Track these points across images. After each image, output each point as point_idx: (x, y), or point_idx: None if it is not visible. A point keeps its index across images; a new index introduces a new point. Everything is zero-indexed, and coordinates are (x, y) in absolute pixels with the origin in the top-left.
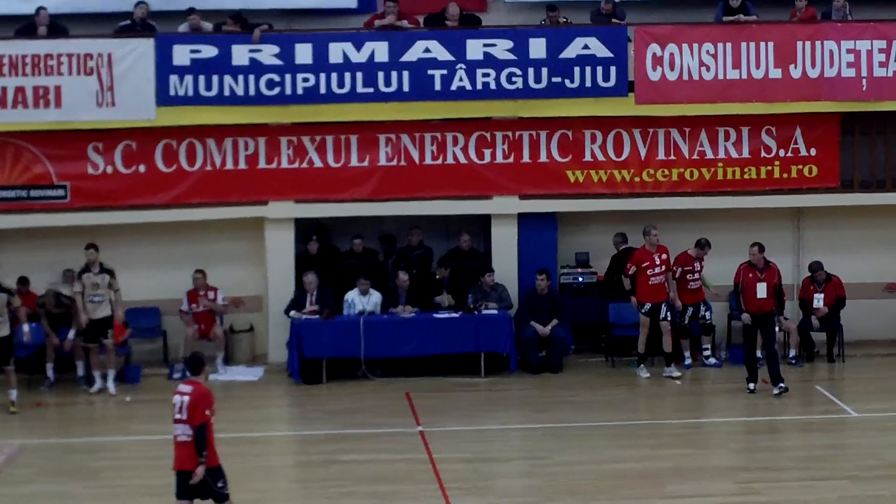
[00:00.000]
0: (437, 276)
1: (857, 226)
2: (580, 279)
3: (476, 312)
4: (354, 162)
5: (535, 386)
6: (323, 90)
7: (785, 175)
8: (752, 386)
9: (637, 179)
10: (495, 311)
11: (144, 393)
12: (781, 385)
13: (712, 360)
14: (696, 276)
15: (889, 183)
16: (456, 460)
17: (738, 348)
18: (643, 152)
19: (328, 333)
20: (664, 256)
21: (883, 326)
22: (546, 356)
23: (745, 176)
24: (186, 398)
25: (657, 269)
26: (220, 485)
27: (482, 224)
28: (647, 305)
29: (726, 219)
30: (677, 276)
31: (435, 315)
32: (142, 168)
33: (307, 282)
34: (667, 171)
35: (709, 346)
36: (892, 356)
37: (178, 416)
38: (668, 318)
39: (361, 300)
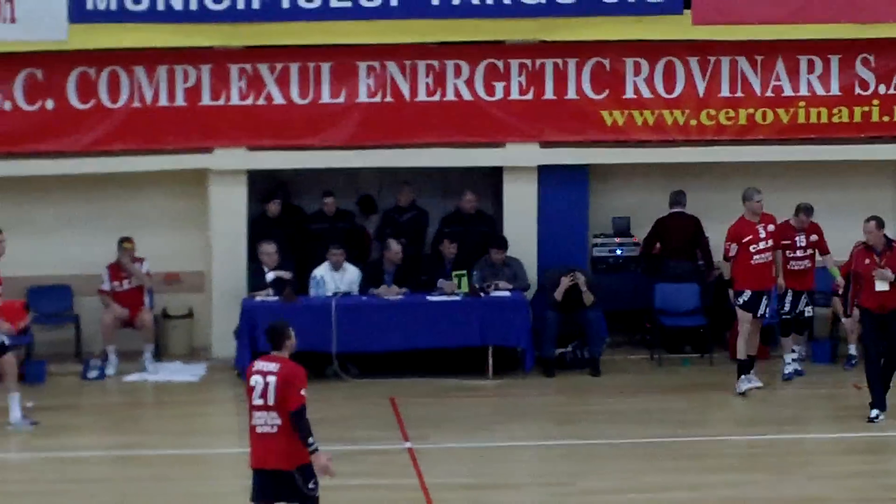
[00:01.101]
0: (442, 251)
1: None
2: (618, 252)
3: (483, 294)
4: (326, 98)
5: (557, 390)
6: (286, 3)
7: (886, 118)
8: (875, 414)
9: (693, 123)
10: (507, 294)
11: (51, 396)
12: (880, 412)
13: (793, 368)
14: (800, 253)
15: None
16: (454, 487)
17: (820, 343)
18: (701, 88)
19: (289, 320)
20: (770, 228)
21: None
22: (573, 351)
23: (835, 119)
24: (272, 378)
25: (762, 245)
26: (311, 486)
27: (492, 180)
28: (748, 293)
29: (808, 174)
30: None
31: (429, 298)
32: (49, 104)
33: (265, 253)
34: (732, 113)
35: (797, 349)
36: None
37: (258, 402)
38: (766, 314)
39: (334, 277)
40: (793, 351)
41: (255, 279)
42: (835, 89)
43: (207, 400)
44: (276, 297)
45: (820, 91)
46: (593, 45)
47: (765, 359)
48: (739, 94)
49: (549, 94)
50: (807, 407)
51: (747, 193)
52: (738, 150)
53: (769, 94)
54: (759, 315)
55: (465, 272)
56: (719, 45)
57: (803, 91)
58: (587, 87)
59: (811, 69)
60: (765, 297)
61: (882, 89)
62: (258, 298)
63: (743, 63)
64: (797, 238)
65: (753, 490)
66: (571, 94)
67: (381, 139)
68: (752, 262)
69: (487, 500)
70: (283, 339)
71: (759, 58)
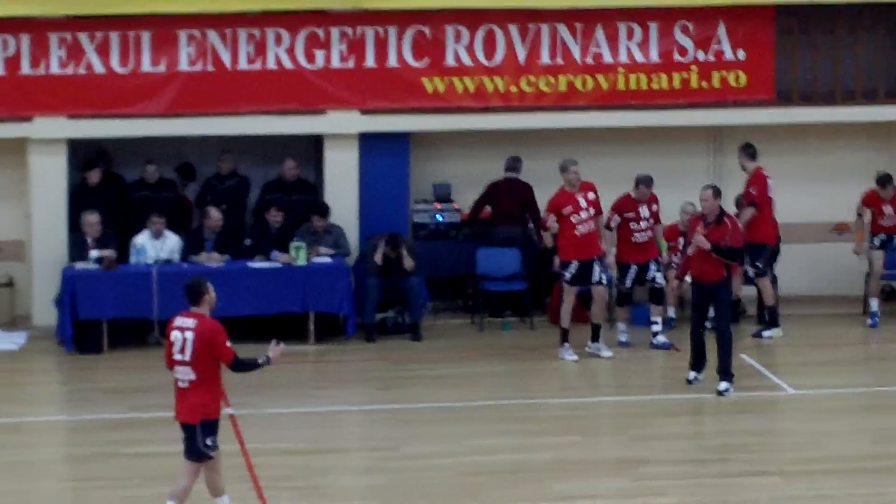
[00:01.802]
0: (269, 219)
1: (795, 150)
2: (439, 218)
3: (306, 261)
4: (147, 66)
5: (380, 355)
6: None
7: (704, 84)
8: (693, 376)
9: (514, 90)
10: (329, 260)
11: None
12: (697, 374)
13: (661, 339)
14: (644, 224)
15: (837, 95)
16: (276, 452)
17: (638, 307)
18: (522, 55)
19: (110, 288)
20: (591, 196)
21: (826, 278)
22: (394, 317)
23: (653, 86)
24: (189, 334)
25: (584, 215)
26: (207, 443)
27: (313, 147)
28: (574, 264)
29: (627, 140)
30: (613, 225)
31: (250, 265)
32: None
33: (87, 224)
34: (552, 80)
35: (659, 319)
36: (839, 317)
37: (178, 357)
38: (602, 281)
39: (154, 245)
40: (654, 323)
41: (77, 248)
42: (654, 56)
43: (28, 369)
44: (96, 266)
45: (639, 58)
46: (414, 13)
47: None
48: (559, 61)
49: (370, 62)
50: (626, 371)
51: (563, 164)
52: (558, 117)
53: (589, 60)
54: (594, 282)
55: (303, 244)
56: (539, 12)
57: (623, 58)
58: (408, 55)
59: (630, 36)
60: (595, 265)
61: (700, 56)
62: (79, 266)
63: (563, 30)
64: (640, 209)
65: (574, 452)
66: (392, 61)
67: (202, 107)
68: (576, 232)
69: (311, 465)
70: (201, 295)
71: (578, 25)
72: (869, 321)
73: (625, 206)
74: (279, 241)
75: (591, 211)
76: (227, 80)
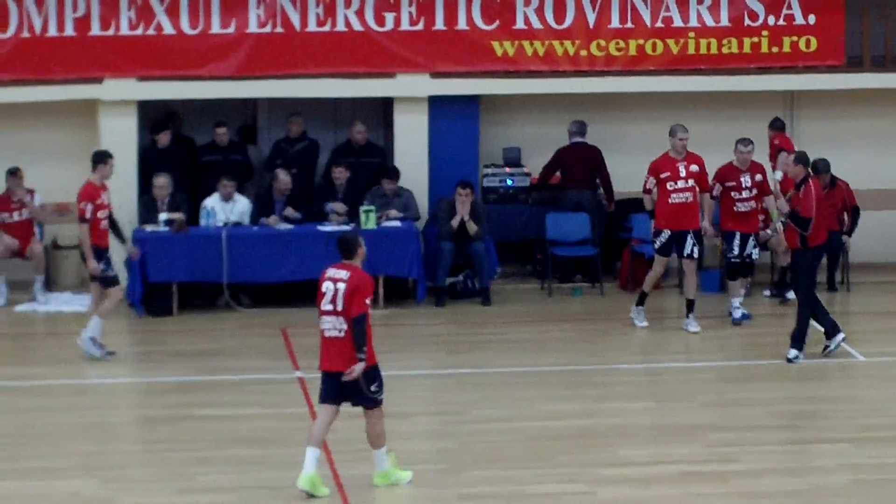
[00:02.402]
0: (333, 178)
1: (866, 115)
2: (509, 182)
3: (375, 225)
4: (216, 28)
5: (450, 320)
6: None
7: (775, 49)
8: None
9: (584, 53)
10: (398, 224)
11: None
12: (797, 353)
13: (740, 312)
14: (746, 194)
15: None
16: (344, 416)
17: (708, 272)
18: (592, 18)
19: (180, 251)
20: (694, 168)
21: None
22: (464, 281)
23: (724, 50)
24: (342, 285)
25: (681, 184)
26: (373, 388)
27: (382, 111)
28: (665, 233)
29: (698, 105)
30: (715, 194)
31: (319, 227)
32: None
33: (158, 185)
34: (622, 44)
35: (740, 294)
36: None
37: (327, 308)
38: (694, 254)
39: (224, 208)
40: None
41: (147, 211)
42: (724, 20)
43: None
44: (166, 228)
45: (710, 22)
46: None
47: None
48: (629, 24)
49: (439, 24)
50: (698, 337)
51: (672, 129)
52: (628, 81)
53: (659, 24)
54: (685, 255)
55: (372, 207)
56: None
57: (693, 22)
58: (477, 18)
59: (701, 0)
60: (689, 237)
61: (771, 20)
62: (149, 229)
63: None
64: (742, 178)
65: (643, 417)
66: (462, 24)
67: (271, 70)
68: (670, 200)
69: None
70: (355, 248)
71: None
72: None
73: (726, 175)
74: (346, 201)
75: (691, 182)
76: (296, 43)
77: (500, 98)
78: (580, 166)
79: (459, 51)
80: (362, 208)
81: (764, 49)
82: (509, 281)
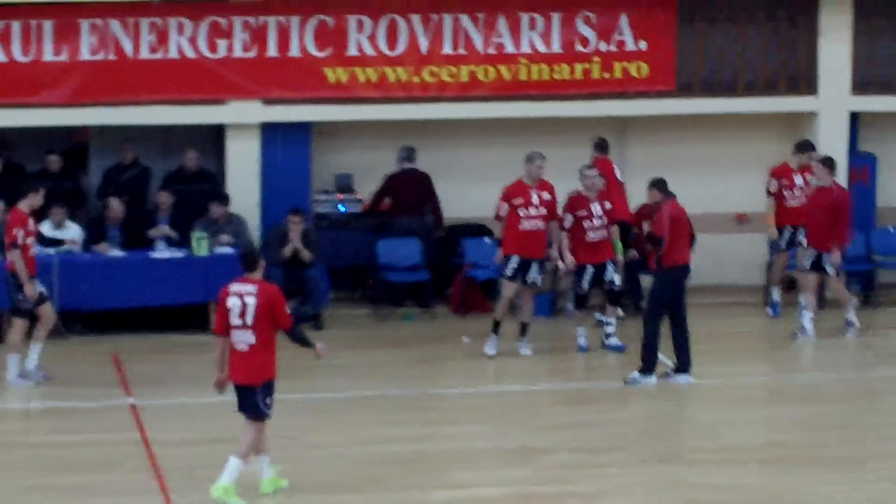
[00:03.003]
0: (159, 204)
1: (696, 140)
2: (341, 208)
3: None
4: (49, 56)
5: (282, 345)
6: None
7: (606, 75)
8: (637, 377)
9: (416, 80)
10: (230, 250)
11: None
12: (639, 375)
13: (614, 342)
14: (597, 222)
15: (739, 85)
16: (178, 443)
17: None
18: (424, 45)
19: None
20: (546, 196)
21: (730, 268)
22: (296, 307)
23: (556, 76)
24: (250, 299)
25: (533, 212)
26: (266, 402)
27: (214, 137)
28: (515, 259)
29: (530, 131)
30: (567, 226)
31: (152, 255)
32: None
33: None
34: (454, 70)
35: (613, 320)
36: (741, 305)
37: (236, 323)
38: (537, 283)
39: (55, 235)
40: (608, 324)
41: None
42: (556, 46)
43: None
44: None
45: (541, 48)
46: (317, 2)
47: (485, 312)
48: (462, 51)
49: (272, 51)
50: (531, 361)
51: (531, 155)
52: (461, 107)
53: (491, 50)
54: (529, 282)
55: (204, 234)
56: (442, 1)
57: (525, 48)
58: (310, 45)
59: (532, 26)
60: (534, 264)
61: (603, 46)
62: None
63: (465, 20)
64: (592, 207)
65: (477, 441)
66: (294, 51)
67: (103, 97)
68: (521, 227)
69: (210, 453)
70: (257, 262)
71: (480, 15)
72: (770, 311)
73: (576, 204)
74: (175, 228)
75: (543, 210)
76: (128, 70)
77: (332, 125)
78: (410, 192)
79: (292, 78)
80: (194, 235)
81: (595, 75)
82: (341, 306)
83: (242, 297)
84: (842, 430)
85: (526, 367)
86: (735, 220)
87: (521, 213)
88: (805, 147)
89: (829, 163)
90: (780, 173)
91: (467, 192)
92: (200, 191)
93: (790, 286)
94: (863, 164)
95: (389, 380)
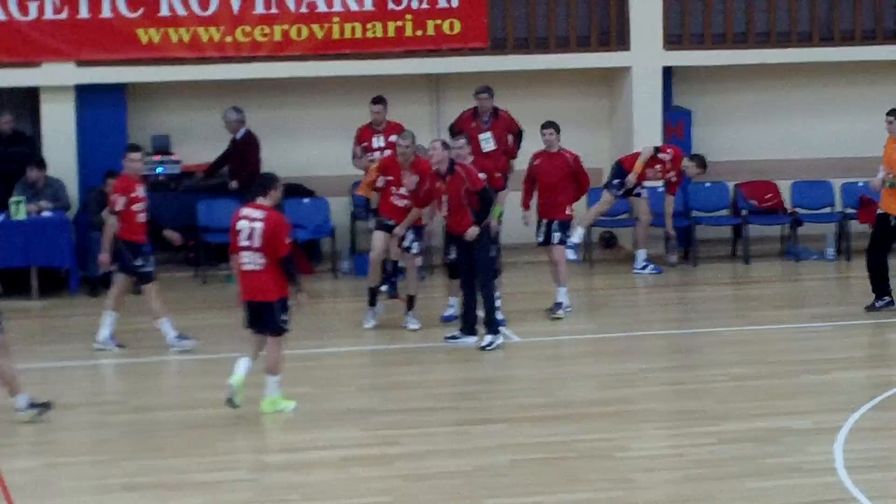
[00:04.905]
0: None
1: (510, 97)
2: (159, 170)
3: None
4: None
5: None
6: None
7: (419, 33)
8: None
9: (229, 40)
10: (49, 214)
11: None
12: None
13: (451, 312)
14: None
15: (552, 42)
16: (3, 408)
17: (362, 256)
18: (236, 4)
19: None
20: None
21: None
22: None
23: (369, 34)
24: (258, 224)
25: (404, 191)
26: (283, 318)
27: (30, 100)
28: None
29: (345, 90)
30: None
31: None
32: None
33: None
34: (267, 30)
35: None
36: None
37: (245, 244)
38: (413, 249)
39: None
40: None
41: None
42: (368, 4)
43: None
44: None
45: (354, 6)
46: None
47: (308, 273)
48: (274, 10)
49: (84, 13)
50: (355, 321)
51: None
52: (274, 66)
53: (303, 10)
54: (404, 248)
55: (22, 198)
56: None
57: (337, 7)
58: (122, 6)
59: None
60: (410, 231)
61: (415, 4)
62: None
63: None
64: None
65: (302, 402)
66: (107, 12)
67: None
68: (392, 201)
69: (40, 420)
70: (269, 189)
71: None
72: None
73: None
74: None
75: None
76: None
77: (147, 86)
78: (254, 156)
79: (105, 39)
80: (12, 199)
81: (408, 33)
82: (163, 269)
83: (251, 221)
84: (666, 386)
85: (349, 328)
86: None
87: (393, 190)
88: None
89: None
90: None
91: (286, 153)
92: (17, 154)
93: (608, 243)
94: (678, 119)
95: (213, 343)
